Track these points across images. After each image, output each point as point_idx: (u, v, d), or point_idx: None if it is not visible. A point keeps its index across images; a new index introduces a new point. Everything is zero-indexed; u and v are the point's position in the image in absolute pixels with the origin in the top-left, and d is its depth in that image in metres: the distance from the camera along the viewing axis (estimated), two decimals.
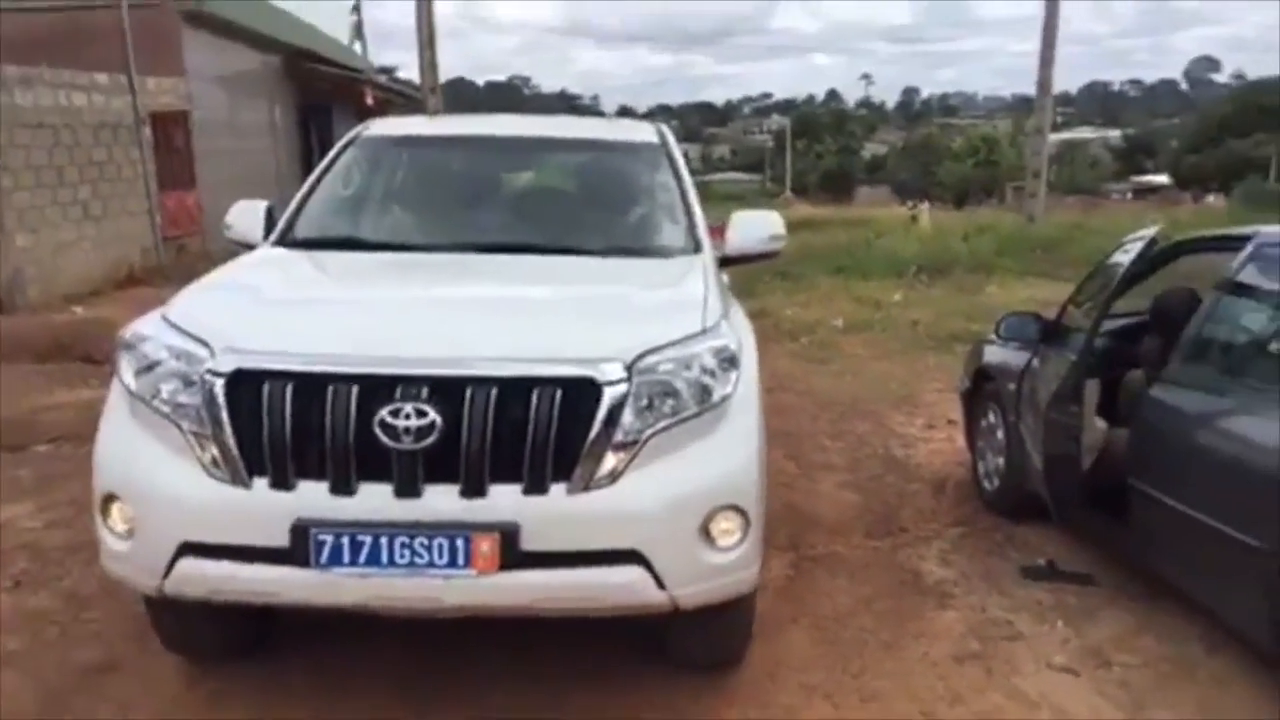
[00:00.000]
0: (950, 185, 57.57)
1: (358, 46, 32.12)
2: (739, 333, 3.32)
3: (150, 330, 3.11)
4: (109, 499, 3.01)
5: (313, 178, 4.47)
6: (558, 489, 2.82)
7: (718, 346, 3.09)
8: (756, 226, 4.34)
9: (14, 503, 5.24)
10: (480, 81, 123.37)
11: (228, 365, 2.84)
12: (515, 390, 2.80)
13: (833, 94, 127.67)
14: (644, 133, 4.96)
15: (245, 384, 2.82)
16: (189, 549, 2.84)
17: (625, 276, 3.82)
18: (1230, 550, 3.36)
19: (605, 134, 5.21)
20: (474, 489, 2.80)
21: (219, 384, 2.82)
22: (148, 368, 2.99)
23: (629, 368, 2.89)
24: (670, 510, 2.90)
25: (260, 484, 2.81)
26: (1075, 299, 5.05)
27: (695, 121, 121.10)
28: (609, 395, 2.84)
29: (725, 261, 4.22)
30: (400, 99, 25.80)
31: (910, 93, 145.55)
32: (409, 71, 30.74)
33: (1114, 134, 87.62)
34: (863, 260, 14.87)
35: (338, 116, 22.13)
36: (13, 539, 4.74)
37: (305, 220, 4.24)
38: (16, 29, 14.80)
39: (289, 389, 2.79)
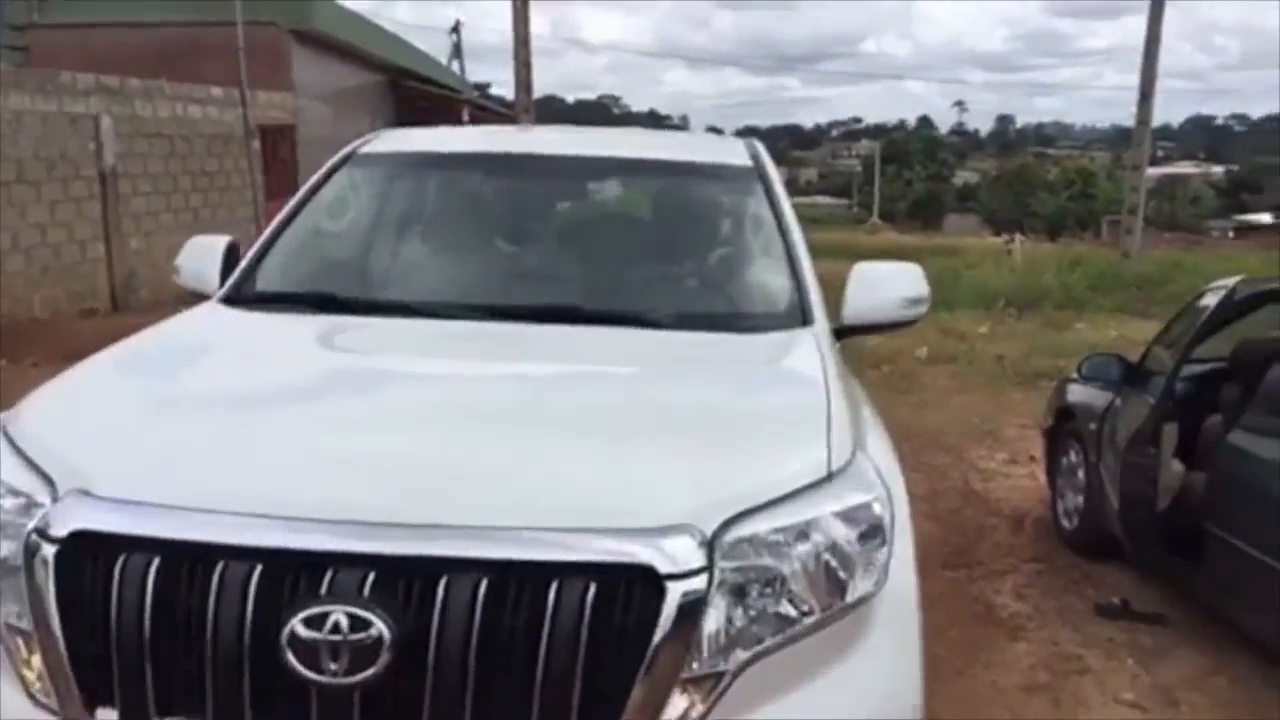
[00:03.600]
0: (1045, 217, 56.60)
1: (455, 66, 33.08)
2: (884, 470, 2.10)
3: None
4: None
5: (287, 210, 3.35)
6: None
7: (854, 506, 1.93)
8: (888, 285, 3.04)
9: None
10: (570, 99, 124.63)
11: (63, 524, 1.76)
12: (520, 581, 1.69)
13: (925, 120, 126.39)
14: (732, 152, 3.64)
15: (90, 554, 1.75)
16: None
17: (702, 367, 2.56)
18: None
19: (681, 154, 3.84)
20: None
21: (48, 552, 1.75)
22: None
23: (709, 544, 1.77)
24: None
25: None
26: (1159, 342, 5.09)
27: (783, 144, 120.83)
28: (676, 593, 1.70)
29: (840, 333, 2.98)
30: (494, 116, 26.45)
31: (1005, 121, 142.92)
32: (503, 89, 31.40)
33: (1217, 170, 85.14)
34: (950, 291, 14.75)
35: None
36: None
37: (269, 268, 3.13)
38: (140, 43, 15.68)
39: (153, 566, 1.72)
